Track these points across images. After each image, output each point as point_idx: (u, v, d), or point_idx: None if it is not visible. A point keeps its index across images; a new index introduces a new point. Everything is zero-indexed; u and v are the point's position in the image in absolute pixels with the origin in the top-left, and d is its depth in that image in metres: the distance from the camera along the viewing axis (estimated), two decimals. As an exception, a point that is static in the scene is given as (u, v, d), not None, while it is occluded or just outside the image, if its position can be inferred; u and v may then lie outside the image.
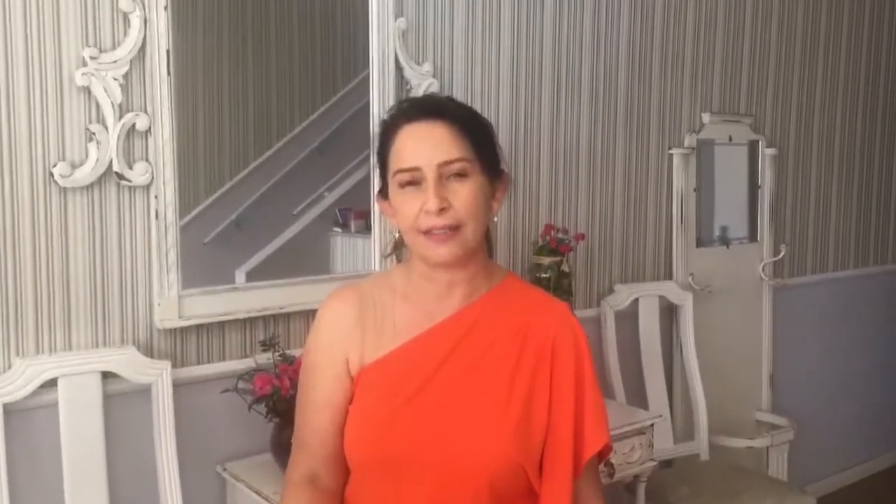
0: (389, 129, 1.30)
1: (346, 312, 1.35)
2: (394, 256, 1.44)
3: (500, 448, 1.24)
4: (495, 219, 1.36)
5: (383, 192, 1.33)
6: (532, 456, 1.26)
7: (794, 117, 3.35)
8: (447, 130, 1.25)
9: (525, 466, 1.25)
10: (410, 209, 1.25)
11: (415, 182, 1.25)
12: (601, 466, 2.07)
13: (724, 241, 3.10)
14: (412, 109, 1.30)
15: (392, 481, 1.27)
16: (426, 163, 1.24)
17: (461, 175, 1.25)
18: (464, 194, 1.25)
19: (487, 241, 1.39)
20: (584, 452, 1.29)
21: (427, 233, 1.25)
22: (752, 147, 3.18)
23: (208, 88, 2.10)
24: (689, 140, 2.92)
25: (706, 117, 2.97)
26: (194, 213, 2.02)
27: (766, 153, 3.19)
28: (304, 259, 2.23)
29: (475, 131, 1.29)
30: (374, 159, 1.35)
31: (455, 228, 1.24)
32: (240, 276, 2.09)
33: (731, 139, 3.08)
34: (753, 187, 3.20)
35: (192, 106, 1.99)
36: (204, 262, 2.03)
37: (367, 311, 1.34)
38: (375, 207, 2.09)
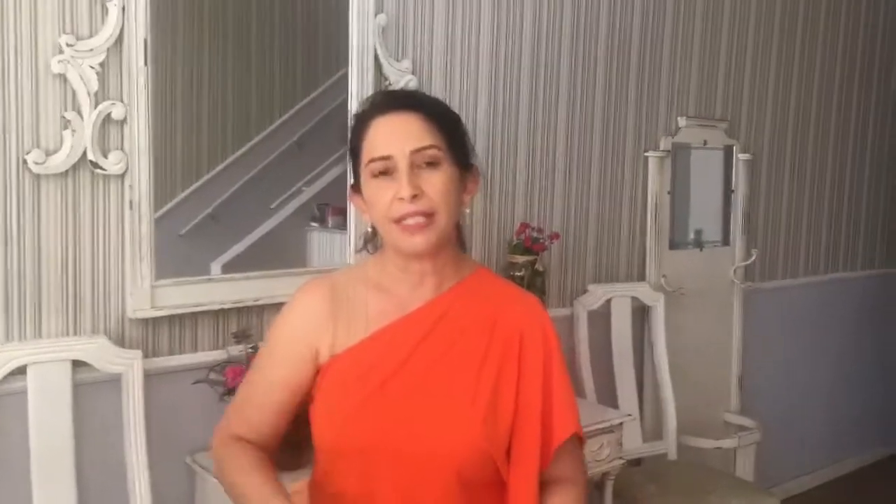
0: (362, 121, 1.31)
1: (318, 304, 1.36)
2: (366, 251, 1.45)
3: (468, 436, 1.26)
4: (467, 211, 1.38)
5: (356, 187, 1.35)
6: (499, 444, 1.28)
7: (768, 123, 3.40)
8: (419, 120, 1.27)
9: (492, 454, 1.27)
10: (383, 198, 1.27)
11: (387, 171, 1.27)
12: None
13: (698, 243, 3.14)
14: (384, 102, 1.31)
15: (360, 468, 1.29)
16: (398, 151, 1.25)
17: (433, 163, 1.27)
18: (435, 182, 1.26)
19: (459, 233, 1.41)
20: (554, 440, 1.31)
21: (400, 221, 1.26)
22: (727, 152, 3.22)
23: (187, 80, 2.10)
24: (664, 143, 2.96)
25: (682, 121, 3.01)
26: (171, 204, 2.02)
27: (740, 158, 3.24)
28: (281, 253, 2.23)
29: (446, 123, 1.31)
30: (347, 153, 1.37)
31: (428, 216, 1.26)
32: (216, 269, 2.09)
33: (705, 143, 3.12)
34: (727, 191, 3.25)
35: (170, 97, 1.99)
36: (179, 253, 2.03)
37: (339, 303, 1.36)
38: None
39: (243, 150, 2.23)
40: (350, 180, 1.39)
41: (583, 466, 1.43)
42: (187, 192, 2.13)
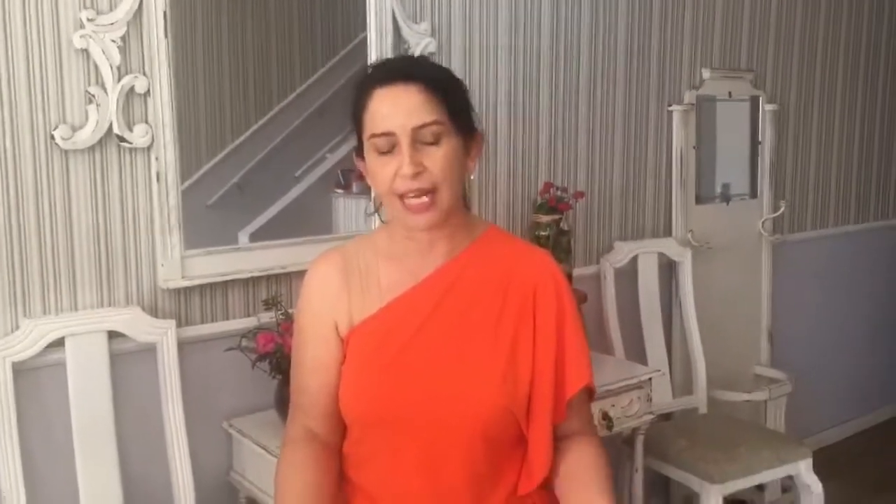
0: (363, 92, 1.30)
1: (331, 276, 1.37)
2: (377, 215, 1.46)
3: (488, 395, 1.28)
4: (472, 177, 1.38)
5: (360, 152, 1.35)
6: (520, 401, 1.30)
7: (795, 72, 3.33)
8: (420, 93, 1.26)
9: (514, 412, 1.29)
10: (386, 173, 1.27)
11: (389, 146, 1.26)
12: (600, 420, 2.12)
13: (725, 197, 3.11)
14: (384, 72, 1.30)
15: (388, 435, 1.31)
16: (400, 127, 1.25)
17: (435, 137, 1.27)
18: (438, 157, 1.26)
19: (464, 195, 1.41)
20: (566, 393, 1.33)
21: (403, 197, 1.27)
22: (753, 103, 3.17)
23: (208, 51, 2.10)
24: (688, 96, 2.91)
25: (706, 73, 2.96)
26: (196, 175, 2.04)
27: (767, 109, 3.18)
28: (307, 220, 2.25)
29: (448, 92, 1.29)
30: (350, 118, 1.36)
31: (430, 192, 1.26)
32: (243, 238, 2.11)
33: (731, 95, 3.07)
34: (754, 143, 3.20)
35: (192, 69, 1.99)
36: (207, 224, 2.05)
37: (352, 273, 1.37)
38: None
39: (265, 119, 2.24)
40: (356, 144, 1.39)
41: (592, 420, 1.44)
42: (212, 163, 2.14)
